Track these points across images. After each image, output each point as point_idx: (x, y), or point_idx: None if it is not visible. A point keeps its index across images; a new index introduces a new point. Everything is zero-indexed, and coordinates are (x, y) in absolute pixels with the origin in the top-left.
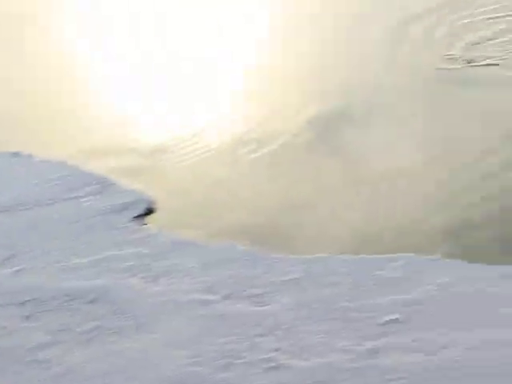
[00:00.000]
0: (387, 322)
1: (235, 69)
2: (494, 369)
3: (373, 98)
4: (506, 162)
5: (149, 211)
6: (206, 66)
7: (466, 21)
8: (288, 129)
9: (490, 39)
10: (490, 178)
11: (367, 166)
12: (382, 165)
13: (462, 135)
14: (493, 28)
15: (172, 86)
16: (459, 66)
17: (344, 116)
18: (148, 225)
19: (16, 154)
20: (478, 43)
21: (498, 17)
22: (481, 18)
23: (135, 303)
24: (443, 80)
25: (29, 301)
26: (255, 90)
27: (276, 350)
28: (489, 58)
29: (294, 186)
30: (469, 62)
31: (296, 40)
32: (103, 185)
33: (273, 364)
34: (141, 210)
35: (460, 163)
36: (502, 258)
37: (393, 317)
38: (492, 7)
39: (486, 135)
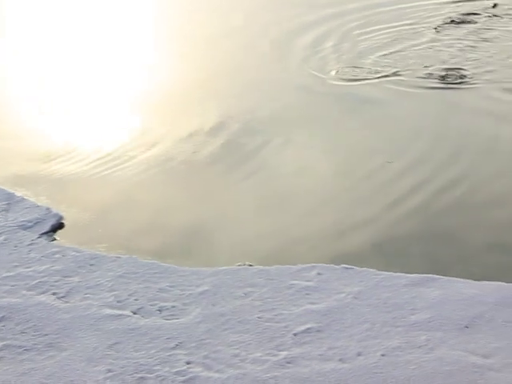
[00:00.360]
0: (302, 332)
1: (131, 84)
2: (409, 373)
3: (268, 112)
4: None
5: (57, 227)
6: (103, 74)
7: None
8: (189, 144)
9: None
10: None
11: (275, 179)
12: (290, 177)
13: (365, 148)
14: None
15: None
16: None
17: (245, 129)
18: (57, 241)
19: None
20: (372, 56)
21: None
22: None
23: (46, 321)
24: (338, 95)
25: None
26: (154, 104)
27: (189, 363)
28: (381, 71)
29: (201, 199)
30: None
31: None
32: (9, 201)
33: (186, 377)
34: (49, 226)
35: (367, 175)
36: (412, 266)
37: (308, 326)
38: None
39: (388, 147)
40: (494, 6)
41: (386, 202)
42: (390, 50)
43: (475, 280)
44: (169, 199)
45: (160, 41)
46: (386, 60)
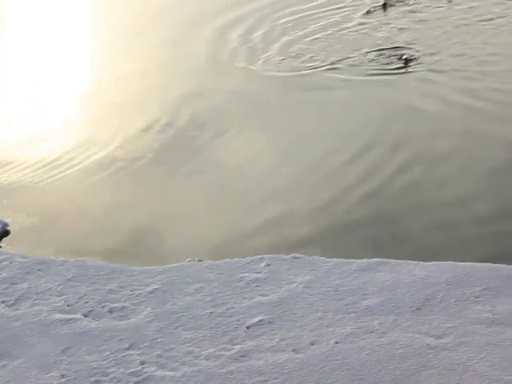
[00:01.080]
0: (254, 324)
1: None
2: (363, 358)
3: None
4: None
5: (3, 234)
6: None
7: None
8: (133, 144)
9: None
10: (352, 178)
11: (221, 173)
12: (237, 170)
13: (309, 137)
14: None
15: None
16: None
17: (193, 123)
18: (2, 248)
19: None
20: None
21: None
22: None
23: None
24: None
25: None
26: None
27: (143, 363)
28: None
29: (148, 198)
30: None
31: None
32: None
33: (141, 377)
34: None
35: (311, 164)
36: (361, 251)
37: (259, 318)
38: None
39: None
40: None
41: (332, 189)
42: (322, 35)
43: (425, 261)
44: (115, 201)
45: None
46: (320, 47)
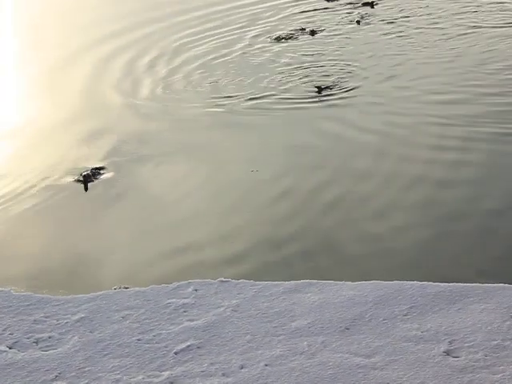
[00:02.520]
0: (183, 350)
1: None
2: (293, 380)
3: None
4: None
5: None
6: None
7: None
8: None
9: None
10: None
11: (146, 204)
12: (162, 200)
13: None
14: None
15: None
16: None
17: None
18: None
19: None
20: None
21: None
22: None
23: None
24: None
25: None
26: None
27: None
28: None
29: (73, 230)
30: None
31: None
32: None
33: None
34: None
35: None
36: (289, 273)
37: (188, 343)
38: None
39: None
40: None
41: (256, 210)
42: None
43: (352, 281)
44: (38, 230)
45: None
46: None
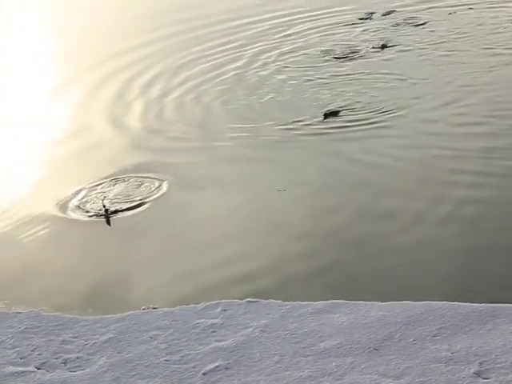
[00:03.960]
0: (211, 371)
1: None
2: None
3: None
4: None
5: None
6: None
7: None
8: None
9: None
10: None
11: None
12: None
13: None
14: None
15: None
16: None
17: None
18: None
19: None
20: None
21: None
22: None
23: None
24: None
25: None
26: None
27: None
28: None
29: (101, 252)
30: None
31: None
32: None
33: None
34: None
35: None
36: (317, 294)
37: (216, 364)
38: None
39: None
40: None
41: (283, 234)
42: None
43: (382, 301)
44: (71, 254)
45: None
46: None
